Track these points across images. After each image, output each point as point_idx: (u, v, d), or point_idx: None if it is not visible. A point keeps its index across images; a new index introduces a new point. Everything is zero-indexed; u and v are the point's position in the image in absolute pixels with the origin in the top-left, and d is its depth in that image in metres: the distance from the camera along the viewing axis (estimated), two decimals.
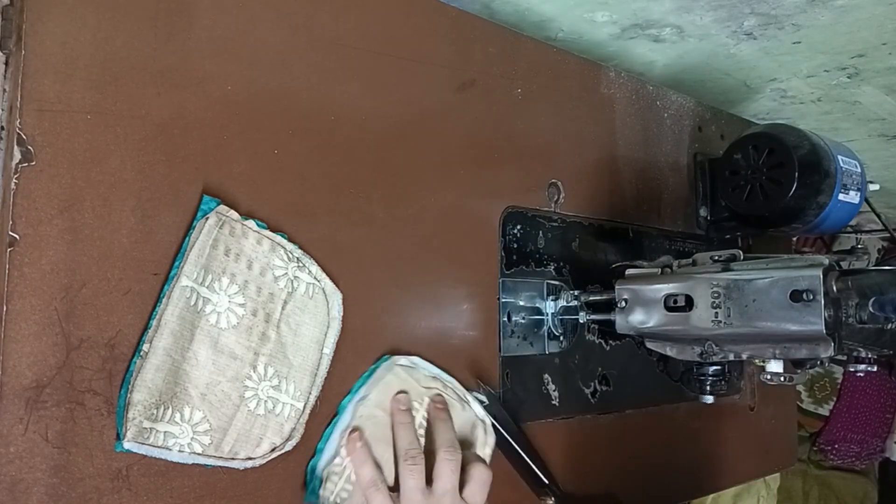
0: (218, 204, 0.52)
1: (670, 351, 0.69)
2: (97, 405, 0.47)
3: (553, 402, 0.75)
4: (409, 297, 0.63)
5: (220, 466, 0.51)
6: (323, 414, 0.57)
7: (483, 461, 0.59)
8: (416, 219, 0.64)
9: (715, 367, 0.74)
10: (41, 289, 0.45)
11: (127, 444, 0.47)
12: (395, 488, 0.55)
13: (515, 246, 0.73)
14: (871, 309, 0.58)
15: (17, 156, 0.44)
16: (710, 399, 0.76)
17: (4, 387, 0.43)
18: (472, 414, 0.62)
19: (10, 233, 0.44)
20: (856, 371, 1.75)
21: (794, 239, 1.51)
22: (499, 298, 0.70)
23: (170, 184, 0.50)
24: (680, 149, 0.94)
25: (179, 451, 0.49)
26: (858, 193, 0.82)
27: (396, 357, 0.61)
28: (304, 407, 0.55)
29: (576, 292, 0.75)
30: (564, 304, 0.75)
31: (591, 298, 0.74)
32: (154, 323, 0.49)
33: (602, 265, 0.82)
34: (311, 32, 0.59)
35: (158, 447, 0.48)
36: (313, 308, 0.56)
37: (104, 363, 0.47)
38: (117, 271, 0.48)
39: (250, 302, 0.53)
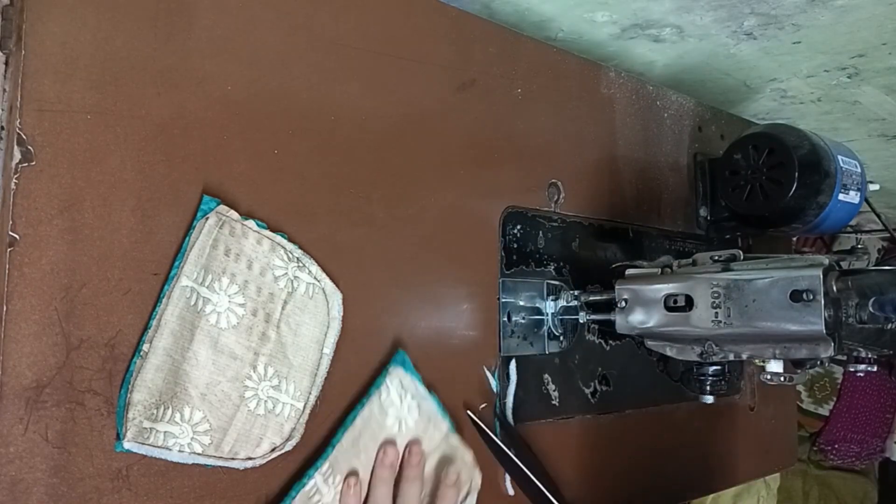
0: (218, 204, 0.52)
1: (670, 351, 0.69)
2: (97, 405, 0.47)
3: (553, 402, 0.75)
4: (409, 297, 0.63)
5: (220, 466, 0.51)
6: (323, 414, 0.57)
7: None
8: (416, 219, 0.64)
9: (715, 367, 0.74)
10: (41, 289, 0.45)
11: (127, 444, 0.47)
12: None
13: (515, 246, 0.73)
14: (871, 309, 0.58)
15: (17, 156, 0.44)
16: (710, 399, 0.76)
17: (4, 387, 0.43)
18: (460, 453, 0.62)
19: (10, 233, 0.44)
20: (856, 371, 1.75)
21: (794, 239, 1.51)
22: (499, 298, 0.70)
23: (170, 184, 0.50)
24: (680, 149, 0.94)
25: (179, 451, 0.49)
26: (858, 193, 0.82)
27: (401, 373, 0.60)
28: (304, 407, 0.55)
29: (576, 292, 0.75)
30: (564, 304, 0.75)
31: (591, 298, 0.73)
32: (154, 323, 0.49)
33: (602, 265, 0.82)
34: (311, 32, 0.59)
35: (158, 447, 0.48)
36: (313, 308, 0.56)
37: (104, 363, 0.47)
38: (117, 271, 0.48)
39: (250, 302, 0.53)
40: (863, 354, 0.65)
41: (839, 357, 0.62)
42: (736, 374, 0.99)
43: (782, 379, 0.64)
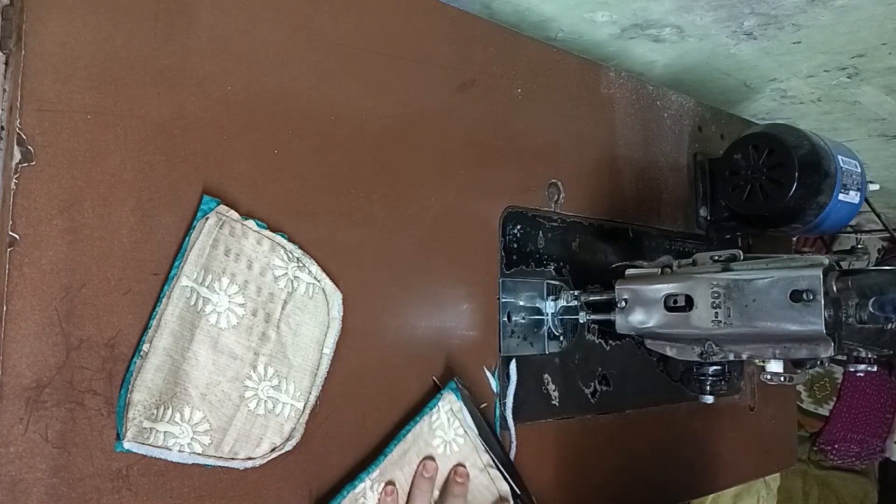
0: (218, 204, 0.52)
1: (670, 351, 0.69)
2: (97, 405, 0.47)
3: (553, 402, 0.75)
4: (409, 297, 0.63)
5: (220, 466, 0.51)
6: (323, 414, 0.57)
7: None
8: (416, 219, 0.64)
9: (715, 367, 0.74)
10: (41, 289, 0.45)
11: (127, 444, 0.47)
12: None
13: (515, 246, 0.73)
14: (871, 309, 0.58)
15: (17, 156, 0.44)
16: (710, 399, 0.76)
17: (4, 387, 0.43)
18: (494, 488, 0.64)
19: (10, 233, 0.44)
20: (856, 371, 1.75)
21: (794, 239, 1.51)
22: (499, 298, 0.70)
23: (170, 184, 0.50)
24: (680, 149, 0.94)
25: (179, 451, 0.49)
26: (858, 193, 0.82)
27: (452, 399, 0.62)
28: (304, 407, 0.55)
29: (576, 292, 0.75)
30: (564, 304, 0.75)
31: (591, 298, 0.73)
32: (154, 323, 0.49)
33: (602, 265, 0.82)
34: (311, 32, 0.59)
35: (158, 447, 0.48)
36: (313, 308, 0.56)
37: (104, 363, 0.47)
38: (117, 271, 0.48)
39: (250, 302, 0.53)
40: (863, 354, 0.65)
41: (839, 357, 0.62)
42: (736, 374, 0.99)
43: (782, 379, 0.64)
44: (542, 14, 0.85)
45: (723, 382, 0.74)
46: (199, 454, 0.50)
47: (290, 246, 0.55)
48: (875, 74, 1.01)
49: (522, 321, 0.73)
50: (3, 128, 0.46)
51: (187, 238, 0.50)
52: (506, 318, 0.71)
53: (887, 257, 1.71)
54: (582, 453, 0.77)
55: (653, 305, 0.67)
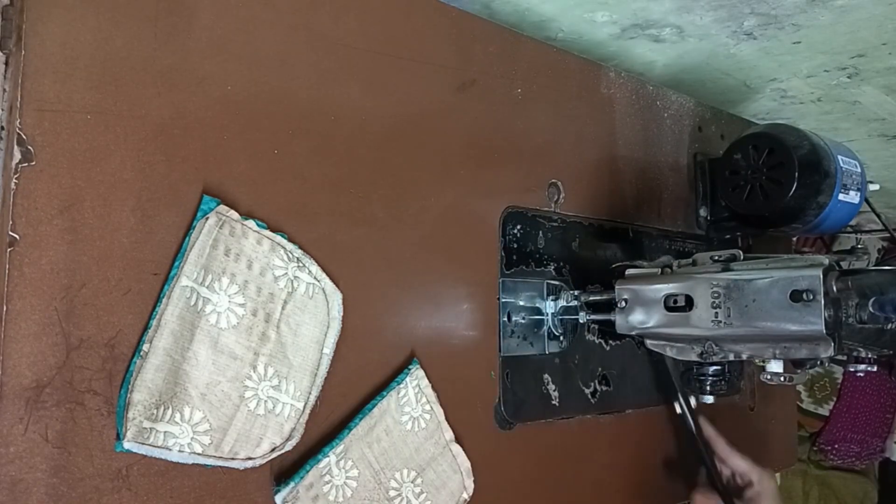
0: (218, 204, 0.52)
1: (670, 351, 0.69)
2: (97, 405, 0.47)
3: (553, 402, 0.75)
4: (409, 297, 0.63)
5: (220, 466, 0.51)
6: (323, 414, 0.57)
7: None
8: (416, 219, 0.64)
9: (715, 367, 0.74)
10: (41, 289, 0.45)
11: (127, 444, 0.47)
12: None
13: (515, 246, 0.73)
14: (871, 309, 0.58)
15: (17, 156, 0.44)
16: (710, 399, 0.76)
17: (4, 387, 0.43)
18: (456, 464, 0.64)
19: (10, 233, 0.44)
20: (856, 371, 1.75)
21: (794, 239, 1.51)
22: (499, 298, 0.70)
23: (170, 184, 0.50)
24: (680, 149, 0.94)
25: (179, 451, 0.49)
26: (858, 193, 0.82)
27: (420, 376, 0.62)
28: (304, 407, 0.55)
29: (576, 292, 0.75)
30: (564, 304, 0.75)
31: (591, 298, 0.74)
32: (154, 323, 0.49)
33: (602, 265, 0.81)
34: (311, 32, 0.59)
35: (158, 447, 0.48)
36: (313, 308, 0.56)
37: (104, 363, 0.47)
38: (117, 271, 0.48)
39: (250, 302, 0.53)
40: (863, 354, 0.66)
41: (839, 357, 0.62)
42: (736, 374, 0.98)
43: (782, 379, 0.64)
44: (542, 14, 0.85)
45: (723, 382, 0.74)
46: (199, 454, 0.50)
47: (290, 246, 0.55)
48: (875, 74, 1.01)
49: (522, 321, 0.73)
50: (3, 128, 0.46)
51: (187, 238, 0.50)
52: (506, 318, 0.71)
53: (887, 257, 1.71)
54: (582, 453, 0.77)
55: (653, 305, 0.67)
